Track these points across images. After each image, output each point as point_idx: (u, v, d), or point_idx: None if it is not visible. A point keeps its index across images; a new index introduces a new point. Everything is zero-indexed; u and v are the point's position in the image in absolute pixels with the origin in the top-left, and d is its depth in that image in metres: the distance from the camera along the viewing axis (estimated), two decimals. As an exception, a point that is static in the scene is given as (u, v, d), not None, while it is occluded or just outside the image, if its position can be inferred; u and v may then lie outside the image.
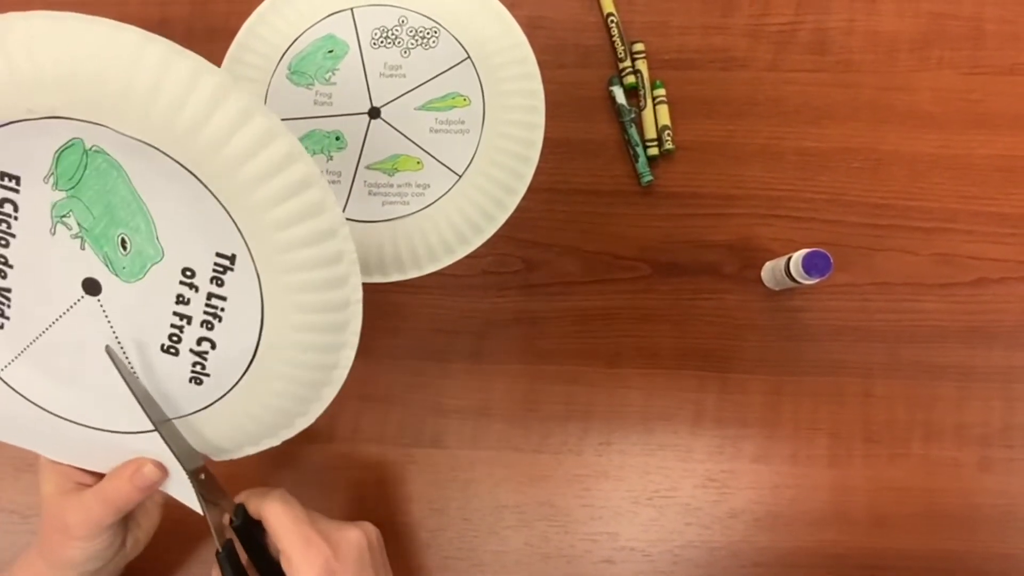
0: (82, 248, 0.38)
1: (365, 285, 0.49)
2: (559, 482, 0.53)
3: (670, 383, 0.54)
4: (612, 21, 0.57)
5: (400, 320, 0.56)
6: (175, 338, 0.40)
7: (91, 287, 0.39)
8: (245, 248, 0.37)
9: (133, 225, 0.38)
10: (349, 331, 0.38)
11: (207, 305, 0.39)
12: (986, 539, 0.52)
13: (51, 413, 0.42)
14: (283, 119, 0.52)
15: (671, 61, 0.57)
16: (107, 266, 0.39)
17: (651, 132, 0.56)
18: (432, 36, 0.52)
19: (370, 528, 0.42)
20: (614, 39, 0.57)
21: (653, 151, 0.56)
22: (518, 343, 0.55)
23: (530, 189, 0.49)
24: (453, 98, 0.51)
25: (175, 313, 0.39)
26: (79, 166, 0.37)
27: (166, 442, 0.40)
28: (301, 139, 0.52)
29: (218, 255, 0.38)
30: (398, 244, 0.50)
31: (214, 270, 0.38)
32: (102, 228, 0.38)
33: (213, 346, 0.40)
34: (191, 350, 0.40)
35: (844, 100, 0.56)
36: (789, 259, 0.50)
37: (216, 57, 0.53)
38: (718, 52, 0.57)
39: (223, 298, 0.39)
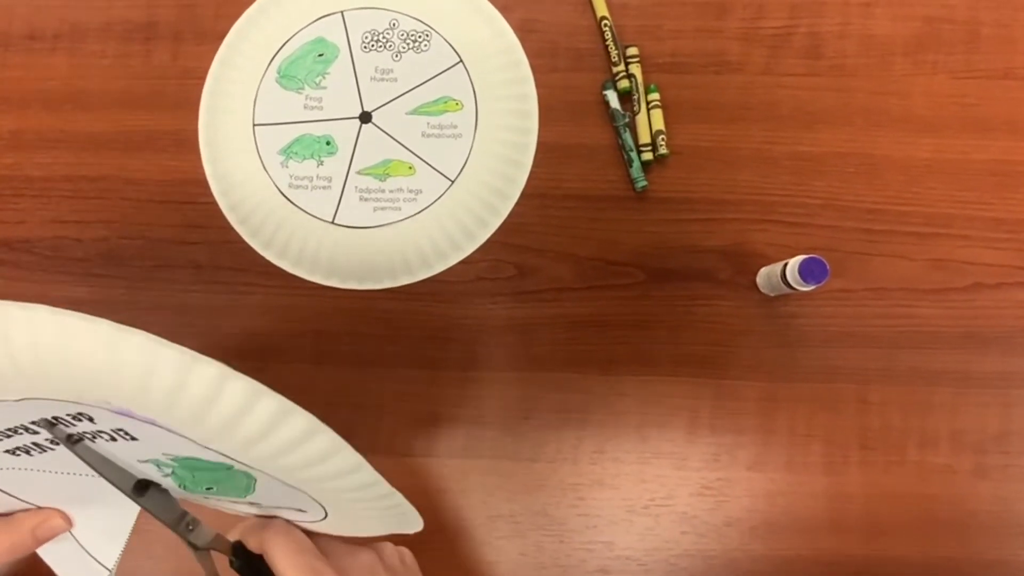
0: (164, 476, 0.34)
1: (356, 292, 0.49)
2: (553, 491, 0.53)
3: (665, 390, 0.54)
4: (606, 25, 0.57)
5: (391, 327, 0.55)
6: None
7: (142, 485, 0.35)
8: (323, 514, 0.36)
9: (230, 494, 0.36)
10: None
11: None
12: (981, 546, 0.52)
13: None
14: (273, 124, 0.52)
15: (665, 65, 0.57)
16: (179, 487, 0.35)
17: (645, 137, 0.55)
18: (424, 39, 0.51)
19: (387, 548, 0.40)
20: (608, 43, 0.57)
21: (647, 156, 0.55)
22: (511, 350, 0.54)
23: (523, 194, 0.48)
24: (445, 102, 0.51)
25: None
26: (208, 470, 0.33)
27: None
28: (291, 144, 0.51)
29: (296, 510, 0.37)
30: (390, 250, 0.49)
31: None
32: (197, 483, 0.35)
33: None
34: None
35: (838, 104, 0.56)
36: (785, 265, 0.49)
37: (204, 61, 0.52)
38: (712, 56, 0.57)
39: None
